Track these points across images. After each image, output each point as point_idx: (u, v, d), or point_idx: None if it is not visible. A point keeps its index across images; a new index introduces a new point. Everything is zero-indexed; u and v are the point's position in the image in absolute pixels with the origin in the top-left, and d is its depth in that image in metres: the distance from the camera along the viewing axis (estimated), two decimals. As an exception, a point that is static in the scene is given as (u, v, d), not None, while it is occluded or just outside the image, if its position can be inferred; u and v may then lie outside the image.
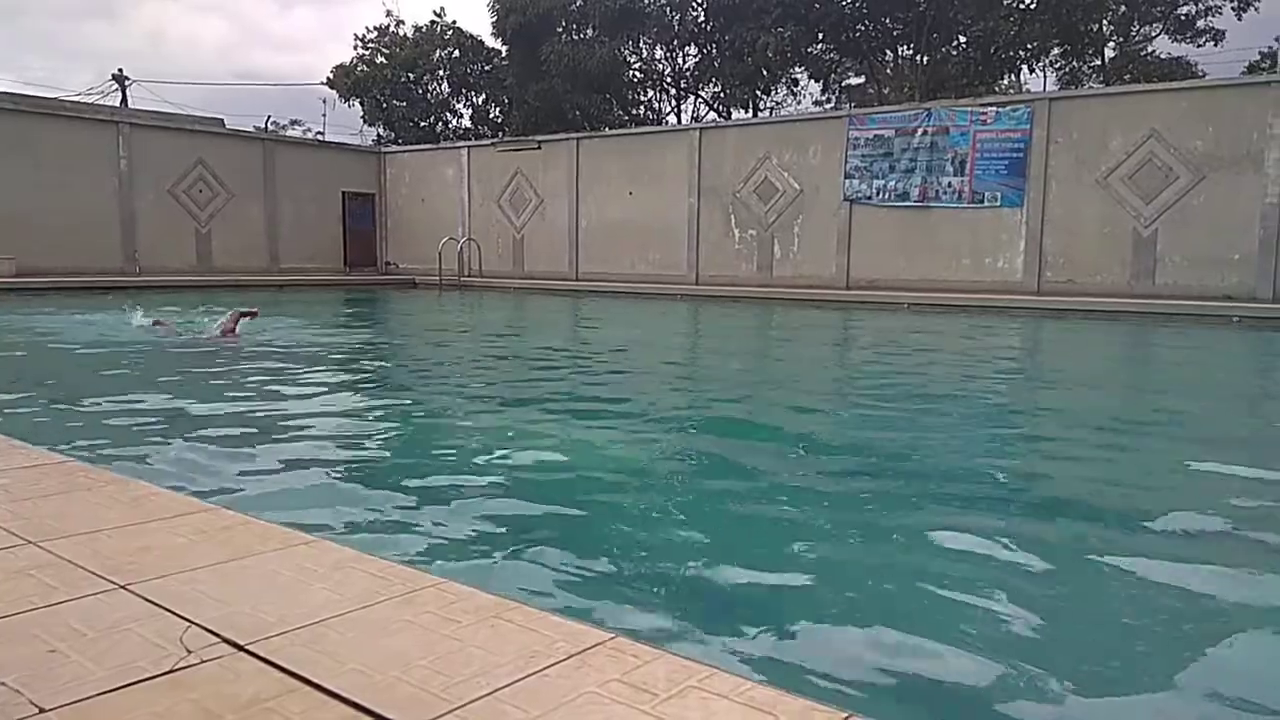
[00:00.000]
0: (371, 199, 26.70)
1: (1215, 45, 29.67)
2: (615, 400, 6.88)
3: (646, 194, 21.78)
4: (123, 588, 2.14)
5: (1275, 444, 5.90)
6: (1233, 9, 28.52)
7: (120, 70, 38.60)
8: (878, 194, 18.59)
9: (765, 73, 28.80)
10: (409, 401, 6.73)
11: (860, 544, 3.55)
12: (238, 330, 9.92)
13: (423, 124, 34.85)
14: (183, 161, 22.77)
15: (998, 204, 17.27)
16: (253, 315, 10.37)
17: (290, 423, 5.60)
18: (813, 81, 31.47)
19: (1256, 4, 28.24)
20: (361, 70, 34.64)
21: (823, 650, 2.56)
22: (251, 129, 30.69)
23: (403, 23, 35.37)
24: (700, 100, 32.75)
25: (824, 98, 33.46)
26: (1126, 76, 28.63)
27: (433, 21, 34.43)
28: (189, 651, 1.81)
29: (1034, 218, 16.91)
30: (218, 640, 1.86)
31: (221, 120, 25.95)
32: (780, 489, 4.34)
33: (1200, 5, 28.90)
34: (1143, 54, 30.10)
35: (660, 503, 4.08)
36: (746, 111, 31.08)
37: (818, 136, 19.50)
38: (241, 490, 3.94)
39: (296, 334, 11.12)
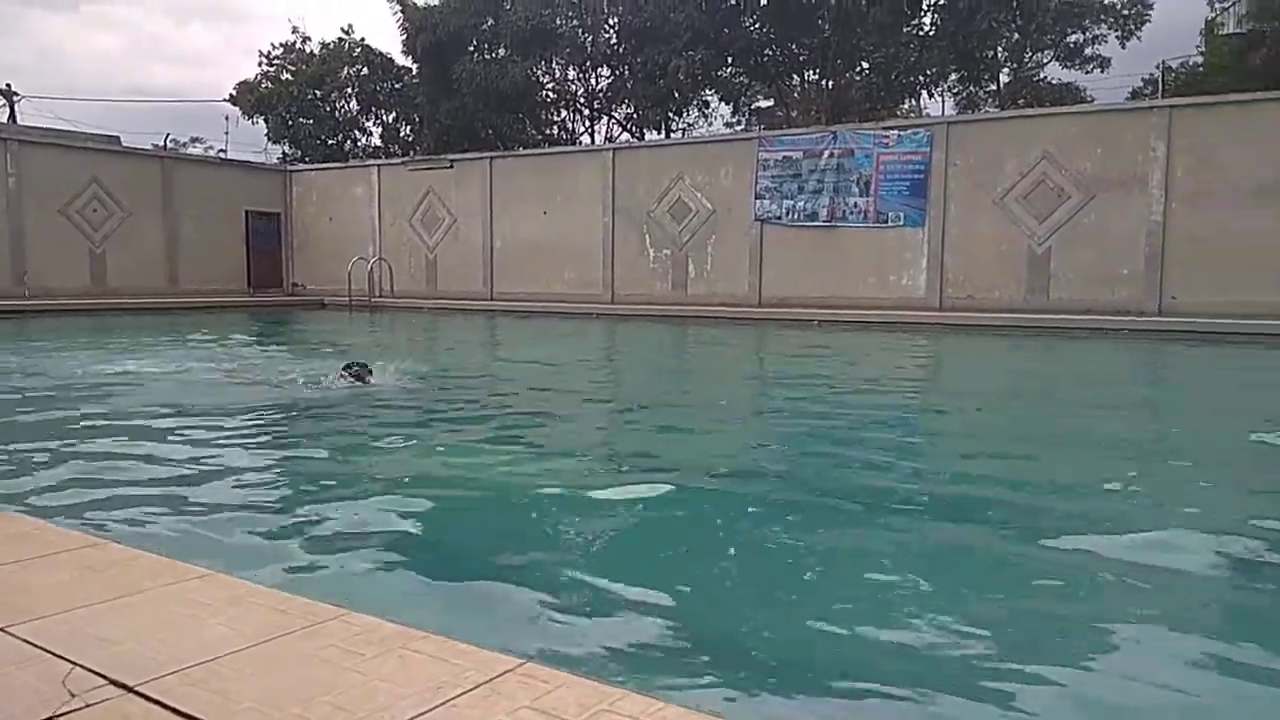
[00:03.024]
0: (277, 218, 26.01)
1: (1102, 72, 31.36)
2: (523, 423, 6.81)
3: (561, 213, 21.77)
4: (1, 630, 2.01)
5: (1167, 448, 6.20)
6: (1117, 38, 30.22)
7: (8, 85, 36.99)
8: (787, 214, 18.97)
9: (677, 94, 29.17)
10: (310, 428, 6.55)
11: (766, 556, 3.58)
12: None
13: (330, 142, 34.19)
14: (76, 180, 21.81)
15: (901, 224, 17.81)
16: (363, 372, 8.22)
17: (183, 453, 5.39)
18: (723, 104, 32.04)
19: (1139, 34, 29.98)
20: (266, 87, 33.81)
21: (735, 665, 2.57)
22: (150, 146, 29.65)
23: (309, 39, 34.71)
24: (613, 121, 32.98)
25: (734, 120, 34.11)
26: (1020, 101, 29.92)
27: (340, 39, 33.85)
28: (72, 695, 1.71)
29: (935, 237, 17.48)
30: (104, 683, 1.76)
31: (118, 138, 25.02)
32: (687, 505, 4.36)
33: (1087, 34, 30.53)
34: (1035, 80, 31.56)
35: (568, 525, 4.05)
36: (659, 132, 31.43)
37: (729, 157, 19.82)
38: (131, 524, 3.77)
39: (194, 356, 10.73)
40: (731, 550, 3.71)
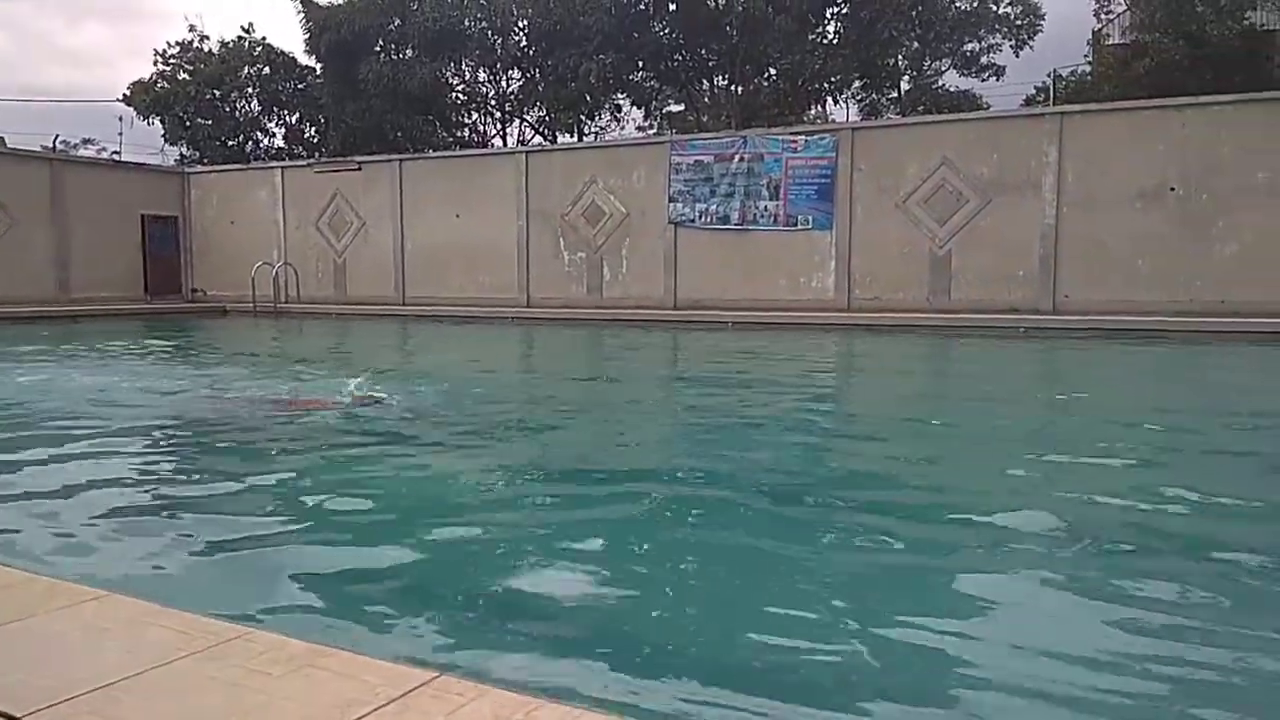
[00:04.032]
0: (175, 222, 25.05)
1: (997, 80, 32.58)
2: (430, 431, 6.70)
3: (474, 216, 21.54)
4: None
5: (1054, 438, 6.48)
6: (1011, 47, 31.45)
7: (-125, 82, 34.72)
8: (700, 217, 19.17)
9: (588, 98, 29.19)
10: (207, 441, 6.34)
11: (684, 558, 3.62)
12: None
13: (231, 143, 33.11)
14: (-48, 182, 20.63)
15: (809, 227, 18.19)
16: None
17: (77, 466, 5.15)
18: (635, 108, 32.19)
19: (1031, 43, 31.28)
20: (162, 87, 32.57)
21: (654, 670, 2.59)
22: (38, 148, 28.22)
23: (207, 38, 33.58)
24: (525, 124, 32.81)
25: (646, 124, 34.31)
26: (920, 108, 30.90)
27: (240, 37, 32.84)
28: (-47, 732, 1.62)
29: (842, 240, 17.90)
30: (-12, 716, 1.68)
31: (1, 139, 23.71)
32: (604, 509, 4.37)
33: (983, 43, 31.70)
34: (934, 87, 32.60)
35: (482, 533, 4.02)
36: (572, 136, 31.39)
37: (642, 161, 19.92)
38: (21, 545, 3.58)
39: (79, 367, 10.26)
40: (649, 553, 3.73)
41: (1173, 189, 15.53)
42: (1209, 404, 8.35)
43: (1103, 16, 30.17)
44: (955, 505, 4.59)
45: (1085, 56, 31.19)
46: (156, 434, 6.46)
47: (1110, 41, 29.62)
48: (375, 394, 7.40)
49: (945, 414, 7.93)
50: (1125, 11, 28.40)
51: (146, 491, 4.68)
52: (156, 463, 5.58)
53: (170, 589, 3.07)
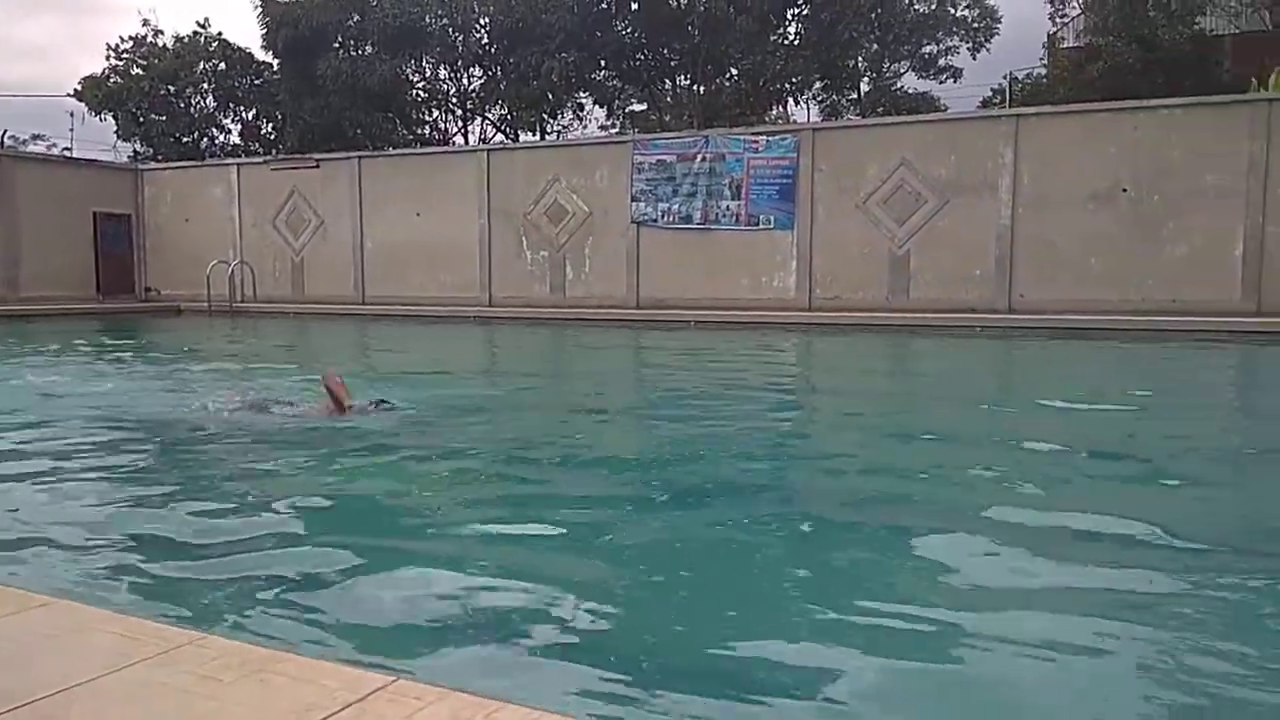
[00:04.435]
0: (127, 220, 24.54)
1: (955, 82, 33.09)
2: (383, 432, 6.59)
3: (435, 215, 21.37)
4: None
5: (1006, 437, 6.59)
6: (968, 49, 31.96)
7: None
8: (663, 217, 19.20)
9: (550, 96, 29.09)
10: (158, 442, 6.22)
11: (639, 558, 3.62)
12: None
13: (185, 140, 32.51)
14: (-106, 178, 20.04)
15: (771, 227, 18.30)
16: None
17: (21, 468, 5.03)
18: (598, 107, 32.16)
19: (988, 46, 31.79)
20: (115, 82, 31.89)
21: (612, 669, 2.58)
22: (-17, 143, 27.53)
23: (161, 33, 32.94)
24: (487, 122, 32.63)
25: (609, 123, 34.28)
26: (880, 109, 31.22)
27: (195, 32, 32.26)
28: (-110, 745, 1.58)
29: (803, 240, 18.03)
30: (-72, 728, 1.63)
31: (-56, 133, 23.09)
32: (561, 508, 4.35)
33: (941, 46, 32.16)
34: (893, 89, 32.97)
35: (436, 534, 3.98)
36: (534, 134, 31.27)
37: (604, 160, 19.90)
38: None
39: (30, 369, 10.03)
40: (605, 552, 3.72)
41: (1125, 190, 15.84)
42: (1097, 393, 8.54)
43: (1058, 20, 30.75)
44: (894, 494, 4.64)
45: (1041, 59, 31.73)
46: (109, 438, 6.32)
47: (1065, 45, 30.17)
48: (383, 400, 7.01)
49: (902, 412, 8.02)
50: (1080, 15, 28.95)
51: (97, 497, 4.58)
52: (111, 468, 5.45)
53: (120, 596, 3.00)
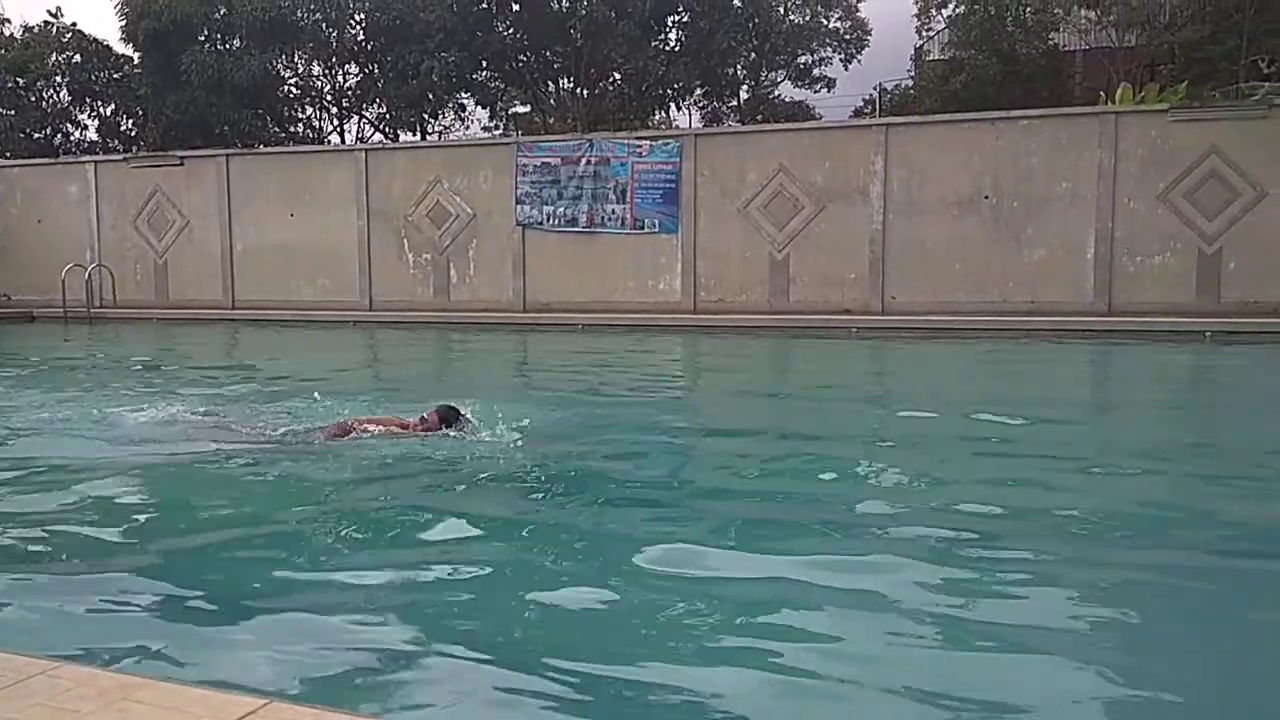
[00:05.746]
0: (-29, 220, 22.83)
1: (829, 91, 34.17)
2: (254, 442, 6.35)
3: (310, 216, 20.67)
4: None
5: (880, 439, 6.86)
6: (840, 60, 33.07)
7: None
8: (548, 219, 19.12)
9: (431, 96, 28.60)
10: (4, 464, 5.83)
11: (521, 569, 3.60)
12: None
13: (37, 136, 30.50)
14: None
15: (656, 230, 18.47)
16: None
17: None
18: (480, 108, 31.82)
19: (859, 57, 32.96)
20: (-45, 72, 29.68)
21: (488, 683, 2.57)
22: None
23: (9, 21, 30.84)
24: (365, 121, 31.81)
25: (492, 124, 33.98)
26: (759, 116, 31.99)
27: (47, 22, 30.30)
28: None
29: (687, 243, 18.28)
30: None
31: None
32: (442, 523, 4.29)
33: (815, 56, 33.16)
34: (771, 97, 33.85)
35: (311, 552, 3.86)
36: (415, 134, 30.67)
37: (487, 162, 19.67)
38: None
39: None
40: (487, 569, 3.69)
41: (987, 197, 16.68)
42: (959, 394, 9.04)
43: (924, 34, 32.16)
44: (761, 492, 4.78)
45: (908, 71, 33.14)
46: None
47: (931, 57, 31.60)
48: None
49: (780, 413, 8.24)
50: (944, 30, 30.37)
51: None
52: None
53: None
